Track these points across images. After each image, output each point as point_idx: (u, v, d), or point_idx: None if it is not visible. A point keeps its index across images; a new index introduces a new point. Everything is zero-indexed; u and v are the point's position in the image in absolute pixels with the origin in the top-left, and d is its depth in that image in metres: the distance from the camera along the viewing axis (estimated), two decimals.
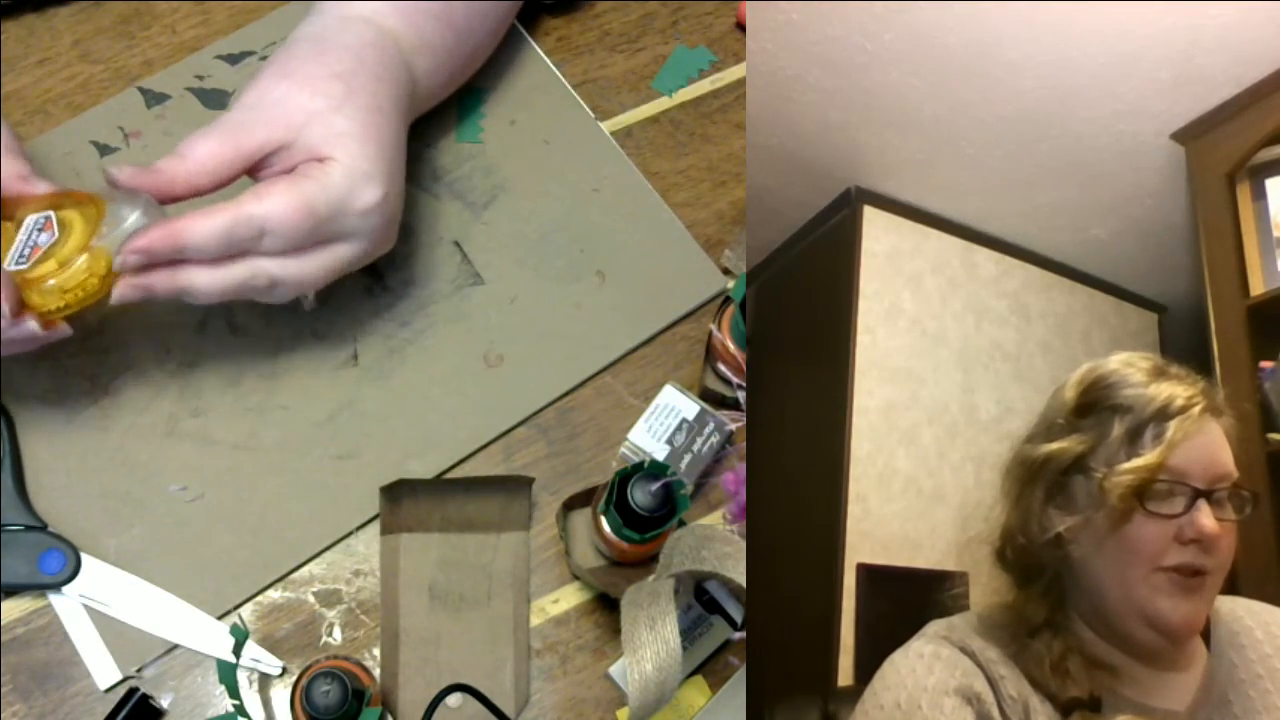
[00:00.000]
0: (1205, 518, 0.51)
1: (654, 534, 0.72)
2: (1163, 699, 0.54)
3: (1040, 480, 0.56)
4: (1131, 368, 0.56)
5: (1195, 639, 0.56)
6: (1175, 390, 0.54)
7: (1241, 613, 0.58)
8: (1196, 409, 0.53)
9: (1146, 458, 0.52)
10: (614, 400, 0.85)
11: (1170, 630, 0.53)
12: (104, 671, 0.74)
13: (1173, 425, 0.53)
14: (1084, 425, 0.55)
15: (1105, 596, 0.54)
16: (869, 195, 1.45)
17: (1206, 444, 0.53)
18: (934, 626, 0.57)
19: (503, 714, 0.69)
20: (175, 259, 0.68)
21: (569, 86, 0.94)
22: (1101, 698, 0.53)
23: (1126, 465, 0.53)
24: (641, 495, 0.71)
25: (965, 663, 0.54)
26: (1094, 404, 0.56)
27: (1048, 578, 0.55)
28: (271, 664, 0.75)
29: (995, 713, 0.52)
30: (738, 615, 0.77)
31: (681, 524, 0.73)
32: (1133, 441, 0.53)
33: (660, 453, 0.80)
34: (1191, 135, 1.23)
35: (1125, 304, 1.74)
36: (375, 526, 0.79)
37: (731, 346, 0.79)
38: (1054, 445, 0.56)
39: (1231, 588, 1.04)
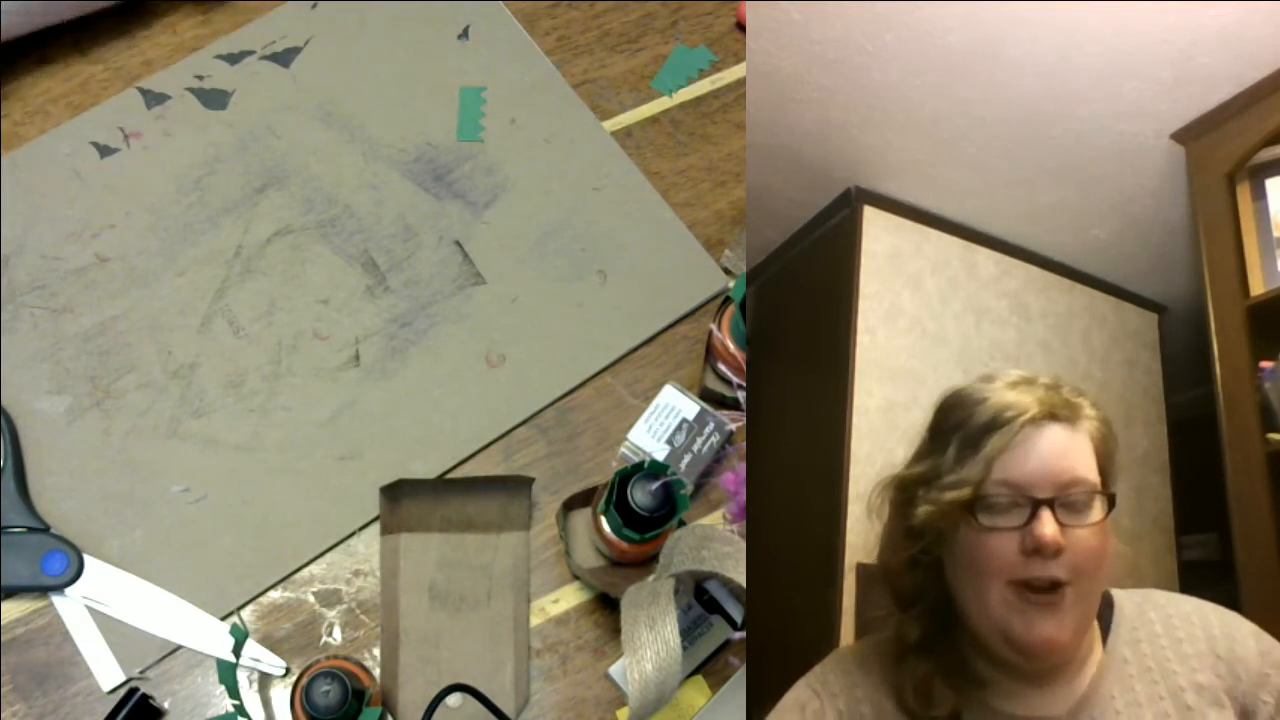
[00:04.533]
0: (1042, 525, 0.49)
1: (654, 534, 0.72)
2: (1040, 708, 0.53)
3: (894, 505, 0.55)
4: (992, 383, 0.55)
5: (1086, 644, 0.54)
6: (1012, 400, 0.52)
7: (1147, 607, 0.56)
8: (1021, 419, 0.51)
9: (965, 472, 0.51)
10: (614, 400, 0.85)
11: (1028, 650, 0.51)
12: (107, 673, 0.74)
13: (993, 438, 0.51)
14: (934, 448, 0.55)
15: (969, 617, 0.53)
16: (869, 195, 1.45)
17: (1042, 452, 0.51)
18: (820, 667, 0.57)
19: (503, 714, 0.70)
20: None
21: (569, 86, 0.94)
22: (964, 712, 0.52)
23: (946, 481, 0.52)
24: (641, 495, 0.71)
25: (815, 703, 0.54)
26: (942, 425, 0.55)
27: (928, 601, 0.54)
28: (274, 664, 0.75)
29: None
30: (738, 615, 0.77)
31: (681, 524, 0.73)
32: (962, 459, 0.52)
33: (660, 453, 0.80)
34: (1191, 135, 1.23)
35: (1125, 304, 1.74)
36: (376, 526, 0.79)
37: (731, 346, 0.79)
38: (902, 471, 0.55)
39: (1233, 586, 1.04)
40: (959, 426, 0.53)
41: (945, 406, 0.55)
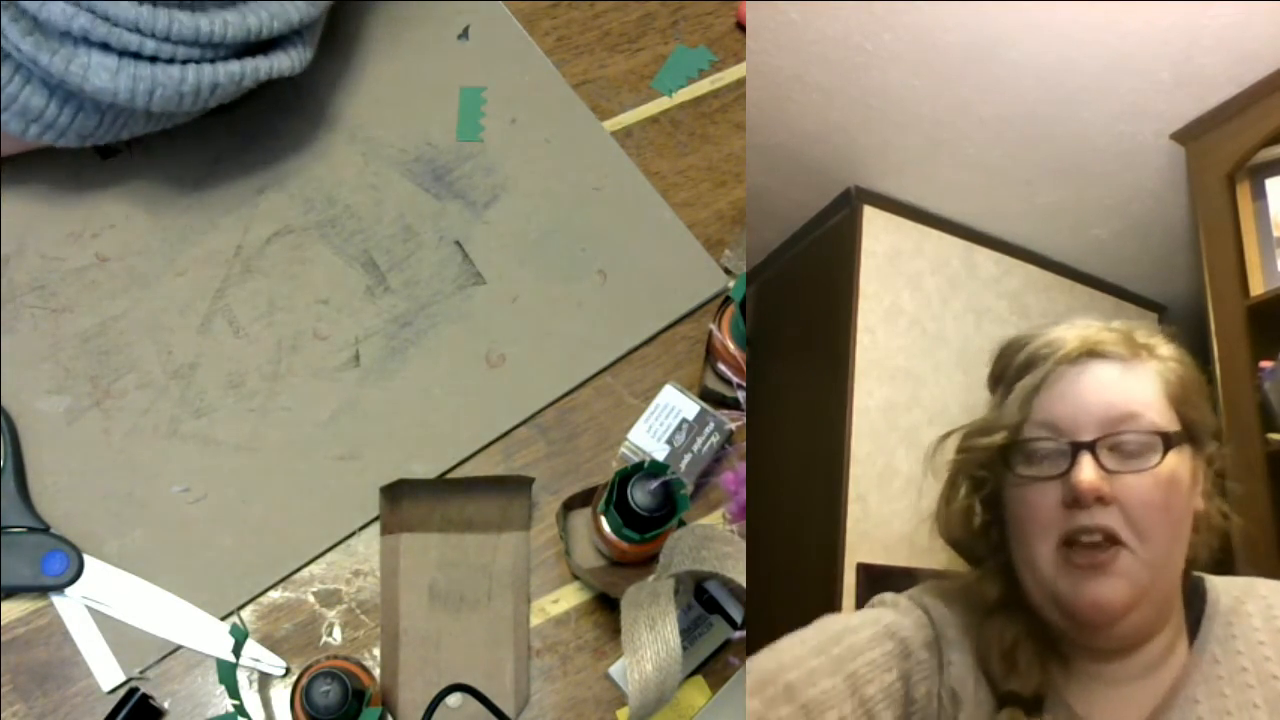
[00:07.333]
0: (1081, 471, 0.44)
1: (654, 534, 0.72)
2: (1115, 714, 0.47)
3: (954, 460, 0.51)
4: (1050, 326, 0.49)
5: (1167, 638, 0.48)
6: (1054, 337, 0.48)
7: (1246, 598, 0.49)
8: (1055, 355, 0.47)
9: (997, 416, 0.47)
10: (614, 400, 0.85)
11: (1076, 614, 0.45)
12: (107, 673, 0.74)
13: (1026, 378, 0.47)
14: (992, 398, 0.50)
15: (1024, 584, 0.48)
16: (869, 195, 1.45)
17: (1082, 388, 0.46)
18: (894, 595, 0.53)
19: (503, 714, 0.70)
20: None
21: (569, 86, 0.94)
22: (1045, 697, 0.47)
23: (980, 427, 0.48)
24: (641, 495, 0.71)
25: (916, 613, 0.49)
26: (994, 372, 0.51)
27: (1000, 559, 0.49)
28: (274, 664, 0.75)
29: (919, 678, 0.47)
30: (738, 615, 0.77)
31: (681, 524, 0.73)
32: (1001, 404, 0.48)
33: (660, 453, 0.80)
34: (1191, 135, 1.23)
35: (1125, 304, 1.74)
36: (376, 526, 0.79)
37: (731, 346, 0.79)
38: (961, 425, 0.50)
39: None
40: (1004, 372, 0.50)
41: (998, 353, 0.51)
